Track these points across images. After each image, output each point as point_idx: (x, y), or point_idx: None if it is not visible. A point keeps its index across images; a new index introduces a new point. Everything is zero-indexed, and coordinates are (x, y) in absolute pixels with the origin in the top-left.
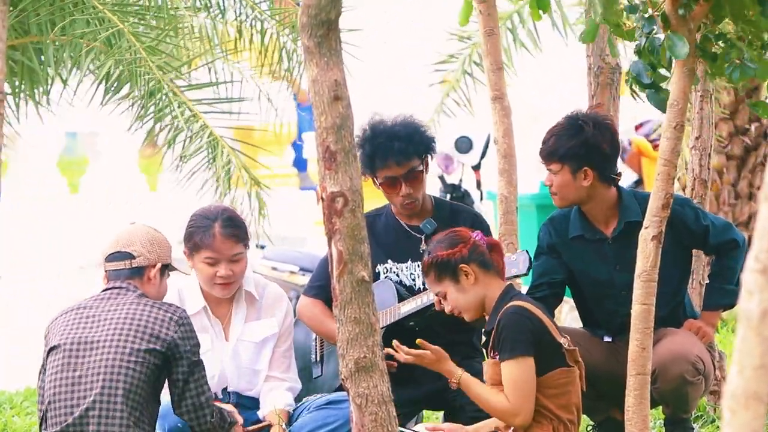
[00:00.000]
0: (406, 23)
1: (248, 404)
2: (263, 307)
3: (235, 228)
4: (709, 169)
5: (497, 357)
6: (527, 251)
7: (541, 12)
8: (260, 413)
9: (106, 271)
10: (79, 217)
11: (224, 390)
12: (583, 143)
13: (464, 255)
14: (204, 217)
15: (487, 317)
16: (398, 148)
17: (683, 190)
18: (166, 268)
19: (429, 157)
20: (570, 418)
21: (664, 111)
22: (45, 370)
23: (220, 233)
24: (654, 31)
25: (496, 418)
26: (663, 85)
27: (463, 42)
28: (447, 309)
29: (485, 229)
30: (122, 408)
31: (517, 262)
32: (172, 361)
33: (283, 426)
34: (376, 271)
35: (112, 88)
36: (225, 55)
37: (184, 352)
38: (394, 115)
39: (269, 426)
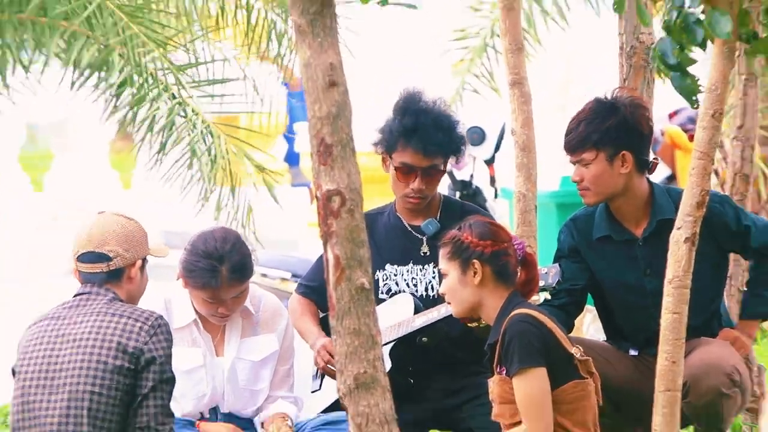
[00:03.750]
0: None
1: (241, 425)
2: (260, 322)
3: (243, 271)
4: (751, 162)
5: (503, 372)
6: (560, 264)
7: None
8: (258, 420)
9: (78, 270)
10: (43, 218)
11: (213, 410)
12: (621, 124)
13: (485, 253)
14: (208, 256)
15: (476, 316)
16: (437, 139)
17: (722, 186)
18: (145, 260)
19: (454, 159)
20: None
21: (689, 100)
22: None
23: (227, 279)
24: (687, 5)
25: None
26: (691, 69)
27: (483, 18)
28: (441, 290)
29: None
30: None
31: (547, 274)
32: (140, 371)
33: (289, 424)
34: (375, 278)
35: (84, 74)
36: (205, 33)
37: (154, 362)
38: (432, 96)
39: None
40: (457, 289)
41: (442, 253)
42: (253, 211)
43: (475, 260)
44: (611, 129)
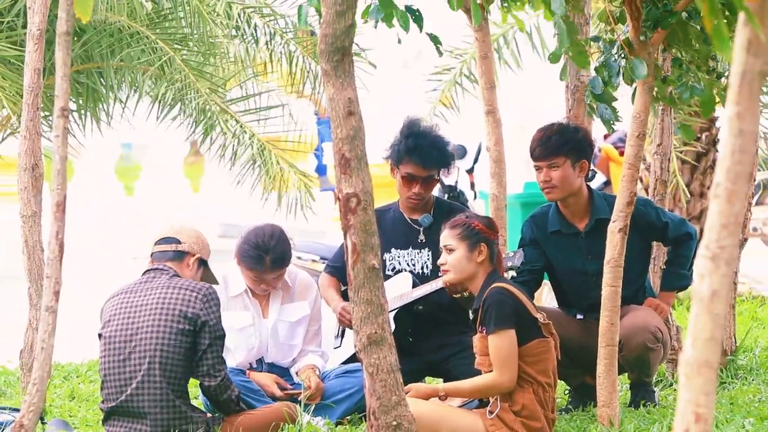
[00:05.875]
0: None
1: (280, 373)
2: (296, 292)
3: (283, 261)
4: (668, 171)
5: (483, 332)
6: (523, 250)
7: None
8: (293, 370)
9: (152, 253)
10: (133, 216)
11: (259, 361)
12: (583, 138)
13: (490, 238)
14: (257, 246)
15: (464, 287)
16: (433, 156)
17: (646, 190)
18: (203, 263)
19: (445, 170)
20: (548, 382)
21: (607, 126)
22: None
23: (269, 266)
24: (612, 54)
25: (491, 395)
26: (615, 103)
27: (456, 58)
28: (440, 260)
29: None
30: (161, 384)
31: (514, 257)
32: (198, 332)
33: (317, 373)
34: (383, 260)
35: (166, 107)
36: (255, 76)
37: (207, 324)
38: (429, 123)
39: (299, 394)
40: (462, 262)
41: (452, 233)
42: (293, 209)
43: (482, 243)
44: (578, 142)
